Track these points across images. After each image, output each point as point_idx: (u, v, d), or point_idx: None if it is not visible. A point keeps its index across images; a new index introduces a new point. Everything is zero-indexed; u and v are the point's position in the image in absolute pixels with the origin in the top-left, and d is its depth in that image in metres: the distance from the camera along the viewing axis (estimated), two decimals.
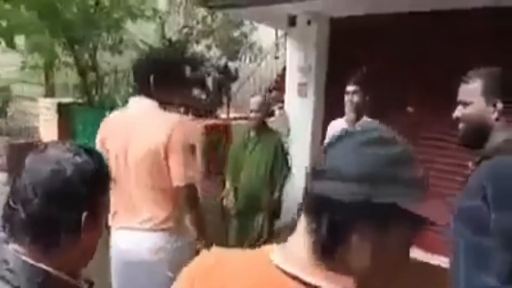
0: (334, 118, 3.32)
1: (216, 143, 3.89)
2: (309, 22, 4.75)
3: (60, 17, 5.13)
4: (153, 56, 2.24)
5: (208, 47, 7.67)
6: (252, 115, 3.31)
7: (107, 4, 5.35)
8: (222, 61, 7.62)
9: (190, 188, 2.01)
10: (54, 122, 6.67)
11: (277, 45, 8.03)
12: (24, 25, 5.25)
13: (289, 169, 3.46)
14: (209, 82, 7.64)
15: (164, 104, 2.02)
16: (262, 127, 3.37)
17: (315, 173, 0.74)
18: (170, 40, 6.82)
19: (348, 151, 0.72)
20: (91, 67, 5.71)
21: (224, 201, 3.33)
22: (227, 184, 3.37)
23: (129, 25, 5.90)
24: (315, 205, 0.73)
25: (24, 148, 7.06)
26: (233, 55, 7.68)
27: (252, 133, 3.38)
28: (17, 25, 4.73)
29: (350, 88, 3.01)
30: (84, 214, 0.89)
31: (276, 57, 8.04)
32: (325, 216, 0.71)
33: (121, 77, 5.96)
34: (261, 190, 3.30)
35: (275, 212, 3.42)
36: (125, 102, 5.30)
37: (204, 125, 3.86)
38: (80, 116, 6.51)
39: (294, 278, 0.72)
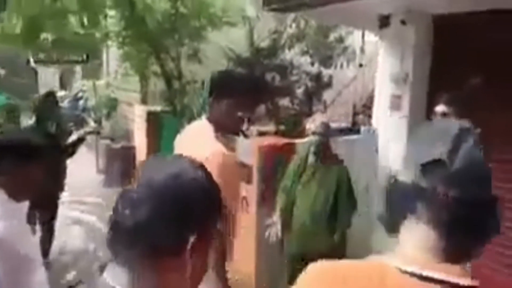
0: None
1: (277, 166, 3.35)
2: (403, 22, 3.91)
3: (144, 27, 5.16)
4: (214, 78, 2.10)
5: (302, 53, 7.15)
6: (313, 138, 2.70)
7: (186, 12, 5.23)
8: (314, 68, 7.02)
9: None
10: (145, 129, 6.87)
11: (362, 49, 7.11)
12: (111, 36, 5.49)
13: (354, 206, 2.76)
14: (299, 90, 7.12)
15: (220, 127, 1.99)
16: (324, 154, 2.74)
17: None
18: (257, 48, 6.49)
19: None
20: (176, 76, 5.68)
21: (267, 233, 2.78)
22: (275, 214, 2.81)
23: (214, 33, 5.73)
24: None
25: (119, 152, 7.47)
26: (327, 61, 7.01)
27: (311, 160, 2.77)
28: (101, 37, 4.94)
29: (439, 108, 2.20)
30: (192, 238, 0.80)
31: (361, 65, 7.11)
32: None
33: (198, 87, 5.82)
34: (318, 231, 2.67)
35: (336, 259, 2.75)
36: (198, 113, 5.10)
37: (259, 145, 3.36)
38: (166, 125, 6.58)
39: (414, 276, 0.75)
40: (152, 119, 6.69)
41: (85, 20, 5.28)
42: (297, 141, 3.59)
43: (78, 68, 14.32)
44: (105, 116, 8.76)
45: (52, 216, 4.31)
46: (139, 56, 5.81)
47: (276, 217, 2.77)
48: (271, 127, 6.47)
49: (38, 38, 2.91)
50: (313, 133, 2.70)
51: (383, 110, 4.34)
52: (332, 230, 2.64)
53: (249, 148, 3.39)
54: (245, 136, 4.16)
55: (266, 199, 3.31)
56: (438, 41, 4.13)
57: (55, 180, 4.16)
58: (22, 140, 1.64)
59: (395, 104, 4.16)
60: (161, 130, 6.70)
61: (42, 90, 13.69)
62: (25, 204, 1.71)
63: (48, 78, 17.73)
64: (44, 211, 4.14)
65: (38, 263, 1.65)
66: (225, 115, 2.00)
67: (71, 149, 4.47)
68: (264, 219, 3.25)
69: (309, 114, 7.08)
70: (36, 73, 16.67)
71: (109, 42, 6.08)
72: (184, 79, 5.67)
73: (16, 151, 1.59)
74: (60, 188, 4.40)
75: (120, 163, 7.18)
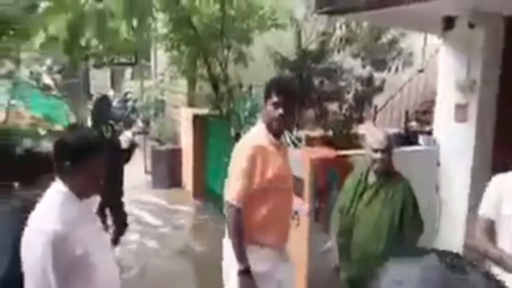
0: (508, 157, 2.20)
1: (331, 180, 3.15)
2: (471, 25, 3.56)
3: (192, 30, 5.11)
4: (267, 82, 2.33)
5: (352, 56, 6.84)
6: (376, 155, 2.47)
7: (234, 15, 5.12)
8: (366, 71, 6.68)
9: (229, 208, 2.17)
10: (191, 132, 6.87)
11: (424, 52, 6.67)
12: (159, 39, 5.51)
13: (421, 227, 2.52)
14: (349, 95, 6.82)
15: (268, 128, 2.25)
16: (386, 171, 2.52)
17: None
18: (305, 50, 6.27)
19: None
20: (223, 79, 5.59)
21: (322, 260, 2.58)
22: (331, 238, 2.62)
23: (261, 35, 5.58)
24: None
25: (166, 154, 7.52)
26: (380, 64, 6.66)
27: (372, 178, 2.54)
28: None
29: None
30: None
31: (421, 71, 6.66)
32: None
33: (244, 91, 5.71)
34: (382, 255, 2.45)
35: None
36: (245, 118, 4.98)
37: (310, 157, 3.16)
38: (212, 129, 6.53)
39: None
40: (199, 122, 6.67)
41: (134, 23, 5.28)
42: (351, 152, 3.37)
43: (128, 69, 14.72)
44: (152, 118, 8.88)
45: (124, 222, 4.37)
46: (187, 59, 5.78)
47: (332, 242, 2.57)
48: (319, 133, 6.25)
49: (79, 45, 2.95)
50: (375, 150, 2.47)
51: (446, 118, 4.00)
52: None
53: (301, 160, 3.21)
54: (295, 145, 4.01)
55: (320, 216, 3.12)
56: (510, 45, 3.76)
57: (115, 185, 4.22)
58: (81, 138, 1.68)
59: (460, 114, 3.81)
60: (207, 133, 6.66)
61: (94, 90, 14.21)
62: (94, 201, 1.76)
63: (99, 78, 18.44)
64: (115, 217, 4.23)
65: (103, 261, 1.66)
66: (269, 114, 2.23)
67: (127, 154, 4.51)
68: (317, 237, 3.07)
69: (360, 119, 6.77)
70: (87, 73, 17.35)
71: (158, 45, 6.11)
72: (230, 83, 5.57)
73: (77, 149, 1.63)
74: (121, 193, 4.44)
75: (166, 165, 7.23)
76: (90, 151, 1.65)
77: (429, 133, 4.42)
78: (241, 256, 2.12)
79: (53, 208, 1.58)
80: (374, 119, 7.14)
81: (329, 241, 2.60)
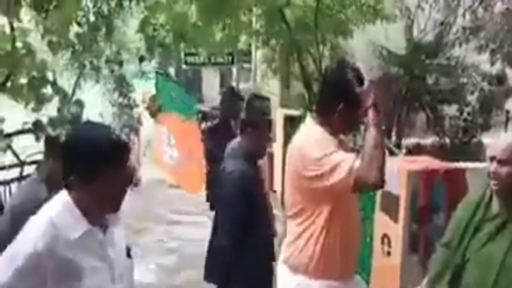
0: None
1: (435, 200, 2.40)
2: None
3: (284, 23, 4.68)
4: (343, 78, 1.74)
5: (479, 49, 5.70)
6: (492, 167, 1.70)
7: (330, 3, 4.52)
8: (495, 67, 5.50)
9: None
10: (281, 134, 6.47)
11: None
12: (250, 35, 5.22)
13: None
14: (472, 96, 5.69)
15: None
16: None
17: None
18: (417, 44, 5.37)
19: None
20: (316, 78, 5.06)
21: None
22: (424, 281, 1.90)
23: (362, 27, 4.89)
24: None
25: None
26: None
27: (496, 206, 1.76)
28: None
29: None
30: None
31: None
32: None
33: None
34: None
35: None
36: None
37: (409, 169, 2.44)
38: None
39: None
40: (290, 123, 6.22)
41: (227, 21, 5.08)
42: (467, 165, 2.56)
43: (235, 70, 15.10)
44: None
45: None
46: (279, 56, 5.41)
47: (427, 283, 1.87)
48: (432, 141, 5.35)
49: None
50: (491, 158, 1.70)
51: None
52: None
53: (396, 171, 2.52)
54: (391, 153, 3.29)
55: (418, 245, 2.41)
56: None
57: None
58: (97, 138, 1.22)
59: None
60: None
61: (205, 90, 14.76)
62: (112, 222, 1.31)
63: (210, 79, 19.32)
64: None
65: None
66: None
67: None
68: (412, 272, 2.37)
69: (486, 126, 5.63)
70: (200, 73, 18.30)
71: (256, 44, 5.83)
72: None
73: (88, 154, 1.18)
74: None
75: None
76: (106, 158, 1.19)
77: None
78: None
79: (41, 224, 1.18)
80: (506, 126, 5.85)
81: (424, 280, 1.90)
